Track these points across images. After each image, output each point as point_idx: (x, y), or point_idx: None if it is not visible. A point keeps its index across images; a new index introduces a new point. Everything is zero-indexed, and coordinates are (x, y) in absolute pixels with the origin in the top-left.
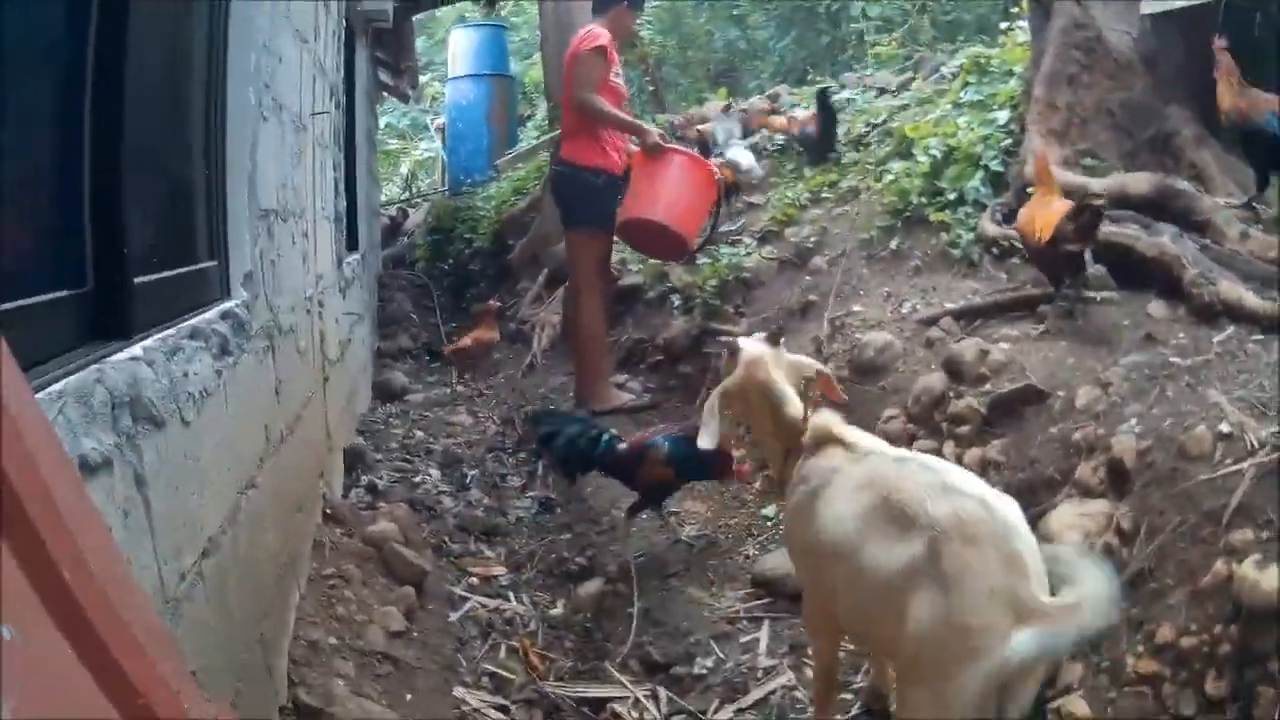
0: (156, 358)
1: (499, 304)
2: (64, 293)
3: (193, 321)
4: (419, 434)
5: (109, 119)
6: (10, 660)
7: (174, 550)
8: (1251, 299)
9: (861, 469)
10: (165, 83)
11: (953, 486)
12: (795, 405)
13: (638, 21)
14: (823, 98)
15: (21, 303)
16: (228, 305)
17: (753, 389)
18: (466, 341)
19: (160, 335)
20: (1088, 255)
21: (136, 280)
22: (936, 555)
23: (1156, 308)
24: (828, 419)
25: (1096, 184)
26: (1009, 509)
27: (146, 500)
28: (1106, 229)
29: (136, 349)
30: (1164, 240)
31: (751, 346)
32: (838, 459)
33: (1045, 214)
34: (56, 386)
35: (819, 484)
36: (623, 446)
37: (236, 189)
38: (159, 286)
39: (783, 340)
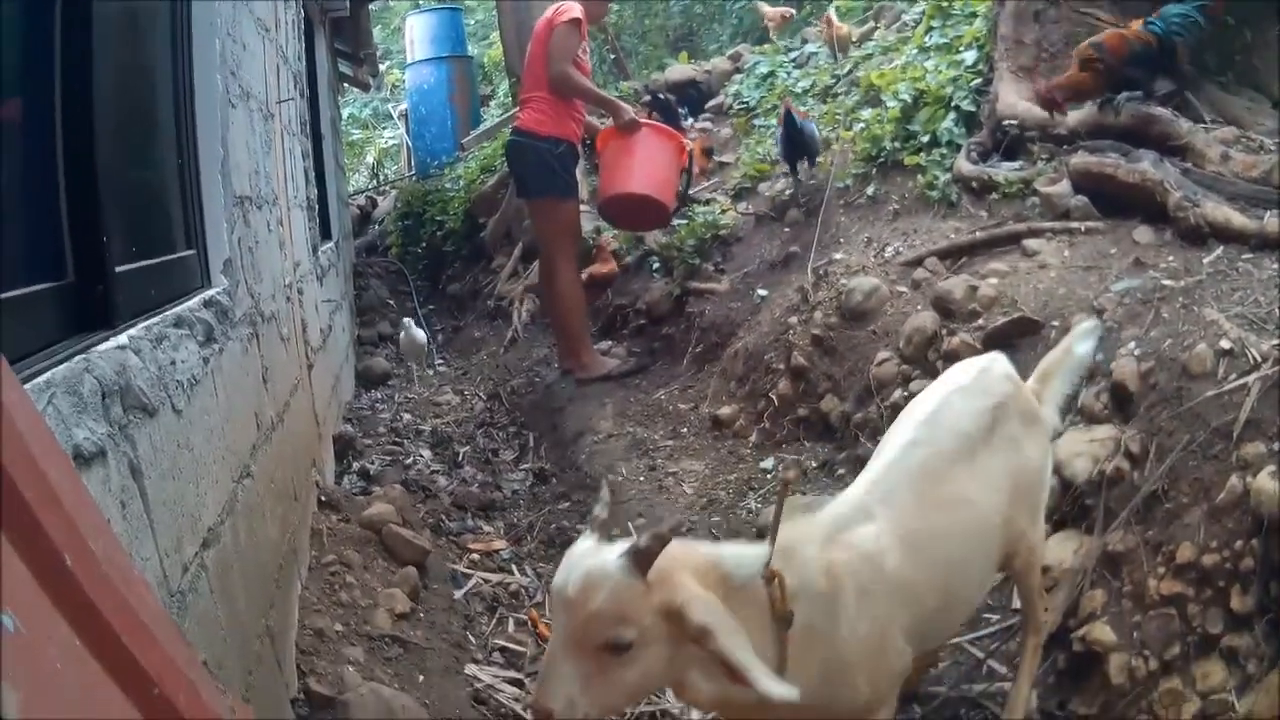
0: (143, 346)
1: (612, 239)
2: (44, 285)
3: (176, 310)
4: (407, 416)
5: (79, 105)
6: (14, 652)
7: (175, 541)
8: (1238, 218)
9: (878, 491)
10: (133, 71)
11: (953, 389)
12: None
13: (610, 8)
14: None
15: (1, 296)
16: (209, 293)
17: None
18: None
19: (144, 324)
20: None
21: (117, 269)
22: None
23: (1142, 233)
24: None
25: (1072, 116)
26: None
27: (143, 490)
28: (1086, 159)
29: (122, 338)
30: (1145, 166)
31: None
32: (817, 531)
33: None
34: (44, 377)
35: (851, 559)
36: None
37: (210, 176)
38: (139, 275)
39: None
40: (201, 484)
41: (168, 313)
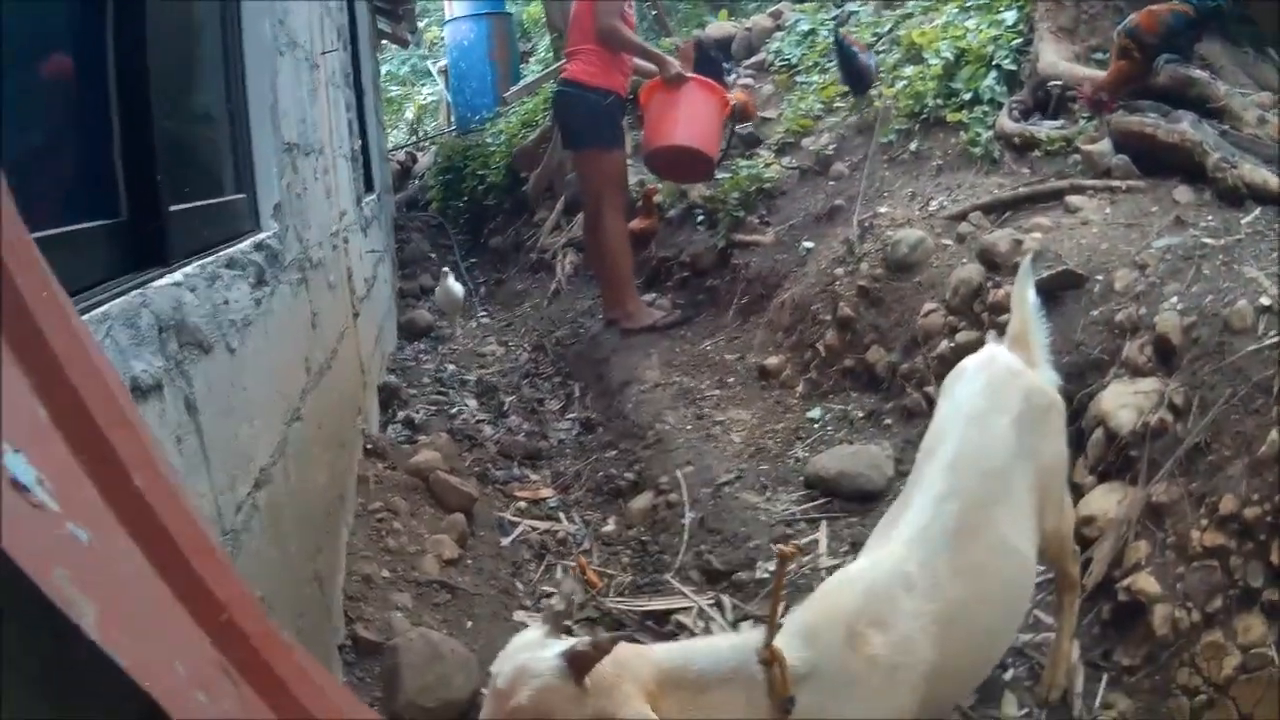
0: (198, 284)
1: (656, 188)
2: (99, 222)
3: (228, 251)
4: (451, 367)
5: (133, 48)
6: (87, 563)
7: (229, 480)
8: (1276, 180)
9: (916, 555)
10: (184, 14)
11: (968, 419)
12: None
13: None
14: (836, 39)
15: (56, 231)
16: (260, 237)
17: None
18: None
19: (198, 263)
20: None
21: (170, 209)
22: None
23: (1182, 193)
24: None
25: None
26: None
27: (199, 427)
28: (1127, 119)
29: (177, 275)
30: (1184, 127)
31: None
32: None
33: None
34: (101, 309)
35: (885, 642)
36: None
37: (260, 121)
38: (192, 215)
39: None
40: (254, 424)
41: (220, 254)
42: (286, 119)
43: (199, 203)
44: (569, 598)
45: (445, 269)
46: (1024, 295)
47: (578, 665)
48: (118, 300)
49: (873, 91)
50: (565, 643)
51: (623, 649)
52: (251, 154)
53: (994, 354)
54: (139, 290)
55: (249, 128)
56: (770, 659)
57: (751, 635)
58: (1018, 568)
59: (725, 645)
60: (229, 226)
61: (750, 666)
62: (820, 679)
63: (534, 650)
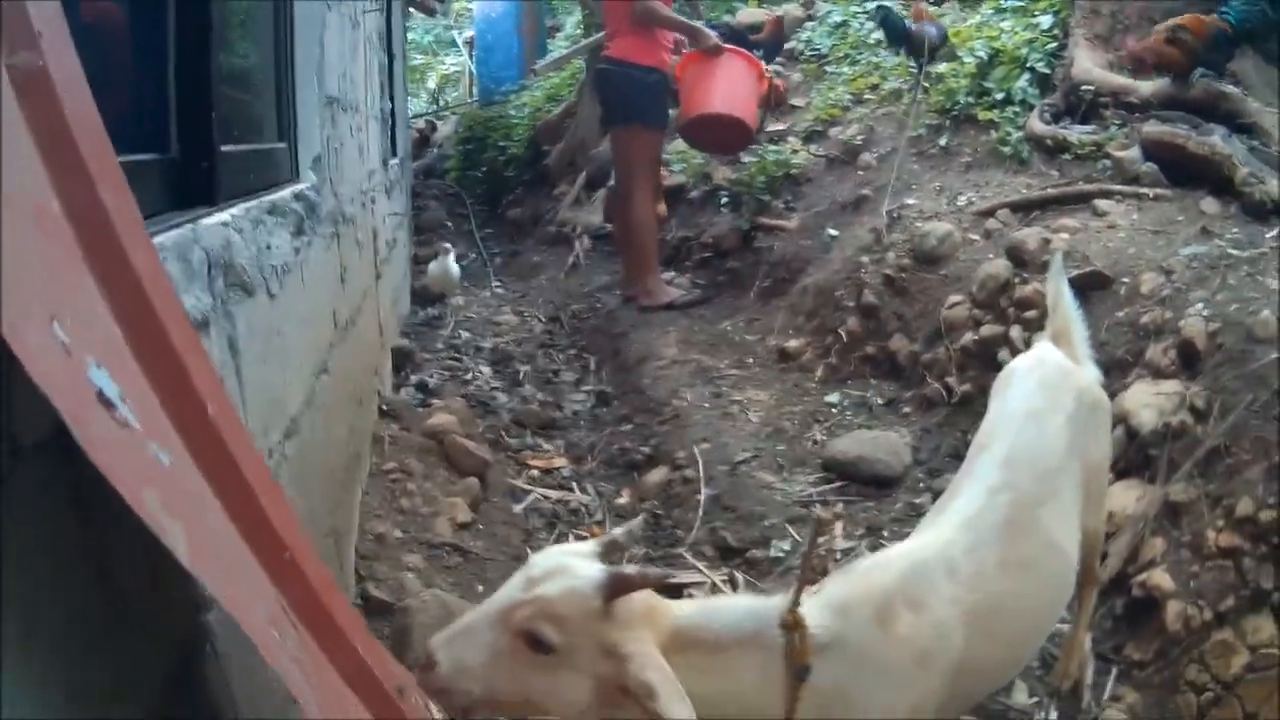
0: (244, 226)
1: (669, 174)
2: (153, 155)
3: (270, 198)
4: (465, 334)
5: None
6: (172, 487)
7: (262, 426)
8: None
9: (963, 542)
10: None
11: (1024, 414)
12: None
13: None
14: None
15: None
16: (299, 187)
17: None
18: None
19: (243, 205)
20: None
21: (221, 148)
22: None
23: (1209, 204)
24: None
25: (1145, 87)
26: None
27: (239, 369)
28: (1159, 128)
29: (225, 215)
30: (1214, 140)
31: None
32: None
33: None
34: (157, 240)
35: (920, 624)
36: None
37: (305, 73)
38: (238, 159)
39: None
40: (288, 372)
41: (263, 199)
42: (330, 72)
43: (245, 146)
44: (631, 534)
45: (445, 245)
46: (1061, 292)
47: (615, 586)
48: (171, 233)
49: (912, 69)
50: (616, 569)
51: (652, 596)
52: (295, 103)
53: (1043, 353)
54: (190, 225)
55: (294, 77)
56: (792, 624)
57: (775, 600)
58: (1062, 568)
59: (746, 607)
60: (270, 174)
61: (770, 632)
62: (842, 652)
63: (581, 560)
